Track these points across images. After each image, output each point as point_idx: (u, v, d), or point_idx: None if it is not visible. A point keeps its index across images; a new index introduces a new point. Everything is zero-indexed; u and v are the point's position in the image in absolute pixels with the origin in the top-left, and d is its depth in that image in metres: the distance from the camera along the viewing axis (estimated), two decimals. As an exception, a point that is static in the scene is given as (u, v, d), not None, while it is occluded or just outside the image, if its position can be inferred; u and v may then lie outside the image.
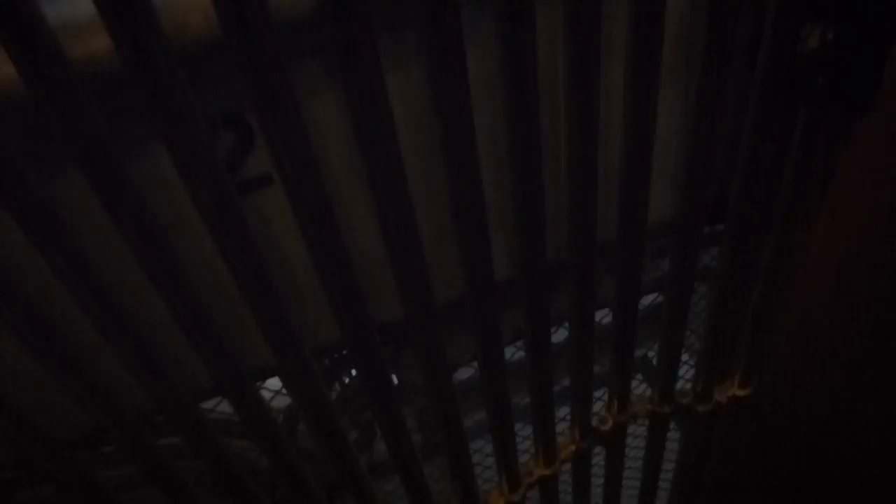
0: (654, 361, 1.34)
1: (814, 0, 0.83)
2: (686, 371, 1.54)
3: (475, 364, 1.12)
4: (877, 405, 1.37)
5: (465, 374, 1.43)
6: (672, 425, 1.43)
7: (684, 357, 1.47)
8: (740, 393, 1.31)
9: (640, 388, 1.77)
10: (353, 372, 1.17)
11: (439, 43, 0.64)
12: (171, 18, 0.57)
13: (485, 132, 0.81)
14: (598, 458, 1.42)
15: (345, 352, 1.03)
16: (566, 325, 1.13)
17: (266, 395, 1.07)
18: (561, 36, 0.77)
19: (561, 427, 1.33)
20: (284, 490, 1.00)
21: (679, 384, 1.33)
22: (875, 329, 1.23)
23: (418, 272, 0.80)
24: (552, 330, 1.06)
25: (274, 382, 1.06)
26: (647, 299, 1.45)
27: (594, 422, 1.31)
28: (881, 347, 1.26)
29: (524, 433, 1.50)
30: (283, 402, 1.14)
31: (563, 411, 1.36)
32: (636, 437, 1.67)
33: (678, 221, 1.00)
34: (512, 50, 0.69)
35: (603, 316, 1.30)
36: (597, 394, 1.36)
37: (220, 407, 1.06)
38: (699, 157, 0.91)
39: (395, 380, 1.06)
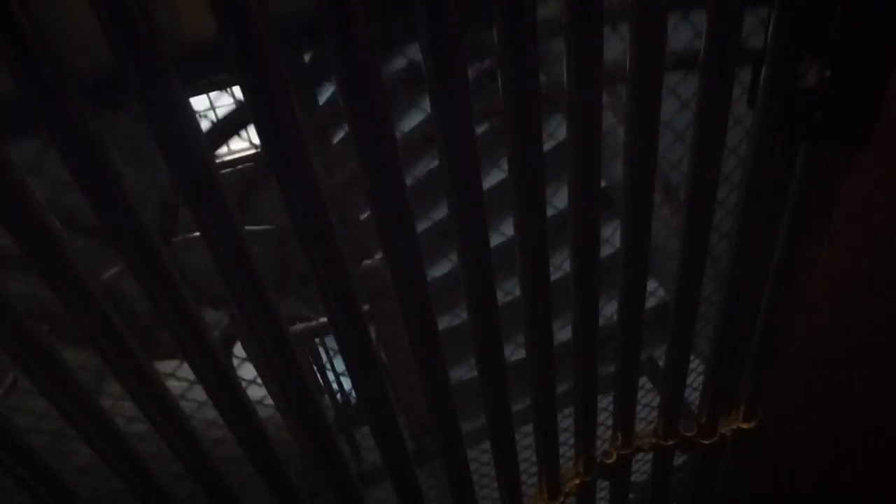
0: (661, 363, 1.32)
1: (811, 37, 0.85)
2: (692, 389, 1.53)
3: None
4: (881, 434, 1.37)
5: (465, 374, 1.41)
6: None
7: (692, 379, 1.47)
8: (745, 426, 1.30)
9: (646, 395, 1.76)
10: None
11: None
12: None
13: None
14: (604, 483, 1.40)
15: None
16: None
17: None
18: None
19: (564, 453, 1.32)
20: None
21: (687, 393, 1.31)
22: (878, 359, 1.23)
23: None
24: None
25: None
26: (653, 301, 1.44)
27: (598, 455, 1.30)
28: (885, 377, 1.25)
29: (526, 454, 1.48)
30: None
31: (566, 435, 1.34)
32: (644, 462, 1.64)
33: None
34: None
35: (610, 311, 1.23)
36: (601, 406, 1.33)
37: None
38: None
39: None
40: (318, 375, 2.89)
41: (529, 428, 1.20)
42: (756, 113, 0.90)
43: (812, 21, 0.83)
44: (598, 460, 1.31)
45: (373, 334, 1.01)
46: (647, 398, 1.80)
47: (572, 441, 1.28)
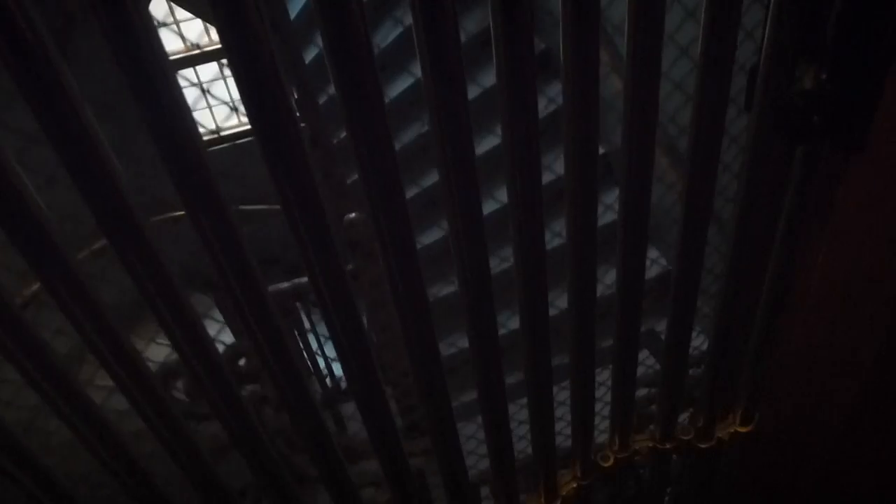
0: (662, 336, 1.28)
1: (807, 41, 0.85)
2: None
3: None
4: (880, 438, 1.36)
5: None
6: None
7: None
8: (742, 429, 1.30)
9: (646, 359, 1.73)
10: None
11: None
12: None
13: None
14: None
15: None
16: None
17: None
18: None
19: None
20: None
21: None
22: (877, 361, 1.23)
23: None
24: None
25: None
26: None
27: (596, 458, 1.30)
28: (883, 380, 1.25)
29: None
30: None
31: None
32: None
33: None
34: None
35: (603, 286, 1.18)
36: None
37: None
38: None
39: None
40: (308, 361, 2.91)
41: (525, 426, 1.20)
42: (753, 116, 0.90)
43: (808, 24, 0.83)
44: (596, 463, 1.31)
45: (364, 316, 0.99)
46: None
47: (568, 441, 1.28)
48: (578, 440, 1.25)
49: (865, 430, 1.36)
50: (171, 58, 4.75)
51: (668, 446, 1.31)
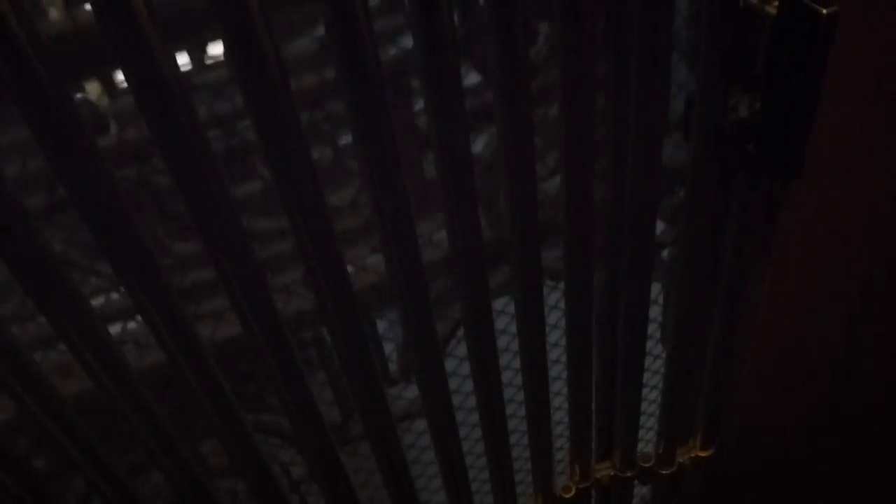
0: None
1: (740, 70, 0.85)
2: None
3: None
4: (838, 451, 1.37)
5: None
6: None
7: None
8: (702, 454, 1.29)
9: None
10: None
11: None
12: None
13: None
14: None
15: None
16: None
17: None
18: None
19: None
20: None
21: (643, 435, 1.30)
22: (832, 375, 1.23)
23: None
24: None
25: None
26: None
27: (557, 490, 1.28)
28: (838, 393, 1.26)
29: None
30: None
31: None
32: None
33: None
34: None
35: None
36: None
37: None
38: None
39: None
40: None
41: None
42: (691, 147, 0.89)
43: (740, 53, 0.83)
44: (558, 495, 1.29)
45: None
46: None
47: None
48: (538, 472, 1.23)
49: (825, 444, 1.36)
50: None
51: (629, 474, 1.29)
